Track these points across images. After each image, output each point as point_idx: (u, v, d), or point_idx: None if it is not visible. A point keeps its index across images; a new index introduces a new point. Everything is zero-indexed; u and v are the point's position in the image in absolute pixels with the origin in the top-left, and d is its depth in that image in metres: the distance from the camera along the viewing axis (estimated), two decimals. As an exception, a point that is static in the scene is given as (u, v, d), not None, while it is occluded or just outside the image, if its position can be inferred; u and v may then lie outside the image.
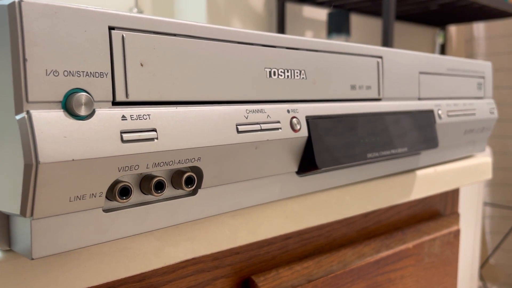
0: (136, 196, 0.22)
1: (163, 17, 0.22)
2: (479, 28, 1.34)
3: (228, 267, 0.32)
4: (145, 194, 0.23)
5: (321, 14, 1.07)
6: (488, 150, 1.12)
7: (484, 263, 1.41)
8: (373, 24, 1.17)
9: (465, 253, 1.18)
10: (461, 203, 0.55)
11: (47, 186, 0.18)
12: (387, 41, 0.87)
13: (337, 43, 0.32)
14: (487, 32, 1.33)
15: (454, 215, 0.52)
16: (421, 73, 0.41)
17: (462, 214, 1.07)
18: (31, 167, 0.18)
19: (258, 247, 0.34)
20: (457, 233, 0.51)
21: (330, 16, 0.94)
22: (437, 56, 0.43)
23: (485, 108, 0.50)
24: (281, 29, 0.97)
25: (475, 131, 0.49)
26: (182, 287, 0.29)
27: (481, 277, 1.40)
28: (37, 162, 0.17)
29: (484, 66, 0.51)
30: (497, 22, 1.29)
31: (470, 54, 1.36)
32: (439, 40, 1.14)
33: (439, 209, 0.52)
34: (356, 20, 1.13)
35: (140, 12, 0.87)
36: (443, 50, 1.33)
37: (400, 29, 1.25)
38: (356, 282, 0.39)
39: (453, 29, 1.44)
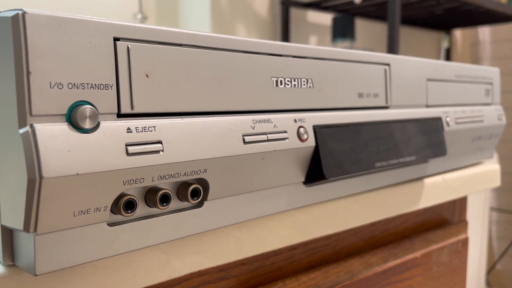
0: (141, 209, 0.22)
1: (168, 23, 0.22)
2: (484, 32, 1.33)
3: (234, 279, 0.32)
4: (150, 206, 0.22)
5: (325, 19, 1.07)
6: (494, 155, 1.11)
7: (490, 269, 1.39)
8: (378, 29, 1.16)
9: (472, 258, 1.17)
10: (467, 208, 0.54)
11: (51, 201, 0.18)
12: (392, 46, 0.87)
13: (344, 51, 0.31)
14: (492, 36, 1.33)
15: (462, 223, 0.52)
16: (428, 80, 0.40)
17: (468, 220, 1.06)
18: (34, 182, 0.17)
19: (264, 258, 0.33)
20: (465, 242, 0.50)
21: (335, 21, 0.93)
22: (444, 62, 0.42)
23: (493, 114, 0.49)
24: (285, 34, 0.97)
25: (483, 138, 0.49)
26: (187, 299, 0.28)
27: (488, 283, 1.39)
28: (41, 177, 0.17)
29: (492, 72, 0.50)
30: (502, 26, 1.28)
31: (475, 58, 1.36)
32: (445, 44, 1.14)
33: (447, 217, 0.52)
34: (361, 25, 1.13)
35: (144, 17, 0.87)
36: (448, 54, 1.33)
37: (406, 33, 1.25)
38: (363, 292, 0.39)
39: (458, 33, 1.43)
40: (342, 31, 0.92)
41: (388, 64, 0.35)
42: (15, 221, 0.18)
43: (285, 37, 0.97)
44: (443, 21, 1.22)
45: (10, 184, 0.18)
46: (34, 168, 0.17)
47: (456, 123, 0.43)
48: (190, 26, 0.93)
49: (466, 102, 0.46)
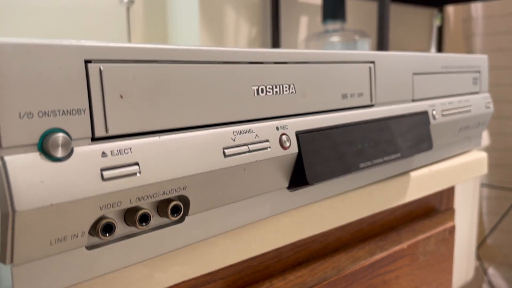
0: (120, 228, 0.22)
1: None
2: (477, 7, 1.31)
3: (221, 281, 0.32)
4: (130, 225, 0.22)
5: (315, -2, 1.05)
6: (485, 131, 1.11)
7: (481, 243, 1.42)
8: (369, 8, 1.14)
9: (462, 233, 1.19)
10: (455, 196, 0.55)
11: (26, 233, 0.18)
12: (383, 25, 0.86)
13: (327, 52, 0.31)
14: (485, 11, 1.31)
15: (449, 211, 0.52)
16: (414, 74, 0.40)
17: (459, 195, 1.07)
18: (7, 216, 0.17)
19: (250, 258, 0.33)
20: (452, 230, 0.51)
21: (325, 1, 0.92)
22: (431, 54, 0.42)
23: (480, 103, 0.49)
24: (275, 15, 0.95)
25: (470, 127, 0.49)
26: (173, 306, 0.29)
27: (478, 257, 1.41)
28: (14, 210, 0.17)
29: (479, 60, 0.50)
30: (495, 2, 1.27)
31: (467, 34, 1.35)
32: (436, 22, 1.12)
33: (435, 205, 0.52)
34: (352, 4, 1.11)
35: (131, 1, 0.86)
36: (440, 33, 1.31)
37: (397, 11, 1.23)
38: (350, 287, 0.39)
39: (450, 9, 1.41)
40: (333, 12, 0.90)
41: (373, 62, 0.35)
42: (-9, 252, 0.18)
43: (275, 18, 0.95)
44: (435, -3, 1.20)
45: (-16, 216, 0.18)
46: (6, 202, 0.17)
47: (443, 115, 0.43)
48: (178, 9, 0.91)
49: (453, 92, 0.46)
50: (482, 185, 1.38)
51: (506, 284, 1.39)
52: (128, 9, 0.89)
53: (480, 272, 1.41)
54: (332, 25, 0.91)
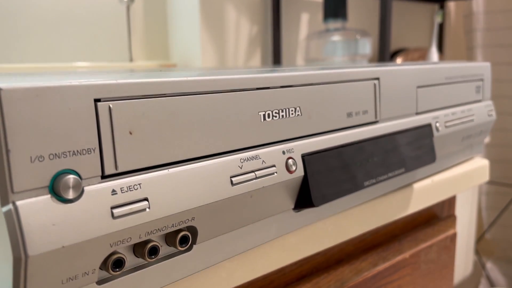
0: (130, 260, 0.22)
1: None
2: (478, 2, 1.31)
3: (226, 298, 0.32)
4: (139, 257, 0.22)
5: (316, -5, 1.04)
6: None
7: (479, 238, 1.43)
8: (370, 5, 1.14)
9: (462, 228, 1.20)
10: (456, 202, 0.55)
11: (38, 275, 0.18)
12: (385, 22, 0.86)
13: (333, 72, 0.31)
14: (486, 6, 1.30)
15: (451, 218, 0.52)
16: (418, 87, 0.40)
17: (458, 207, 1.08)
18: (20, 260, 0.17)
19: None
20: (453, 237, 0.51)
21: (326, 0, 0.91)
22: (435, 66, 0.42)
23: (483, 111, 0.49)
24: (276, 13, 0.95)
25: (473, 136, 0.49)
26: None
27: (477, 252, 1.43)
28: (26, 255, 0.17)
29: (483, 68, 0.50)
30: (496, -3, 1.26)
31: (468, 29, 1.34)
32: (438, 19, 1.12)
33: (437, 212, 0.52)
34: (353, 2, 1.10)
35: (131, 0, 0.85)
36: (441, 30, 1.31)
37: (398, 7, 1.22)
38: (353, 298, 0.40)
39: (451, 4, 1.41)
40: (334, 11, 0.90)
41: (377, 78, 0.35)
42: (4, 292, 0.18)
43: (276, 16, 0.95)
44: (436, -7, 1.19)
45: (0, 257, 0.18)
46: (19, 247, 0.17)
47: (446, 127, 0.43)
48: (178, 8, 0.90)
49: (457, 102, 0.46)
50: (482, 180, 1.38)
51: (504, 279, 1.40)
52: (128, 8, 0.88)
53: (479, 267, 1.42)
54: (333, 24, 0.91)
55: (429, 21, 1.34)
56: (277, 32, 0.95)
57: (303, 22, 1.02)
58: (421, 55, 1.21)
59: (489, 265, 1.42)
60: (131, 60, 0.91)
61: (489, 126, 0.51)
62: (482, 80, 0.50)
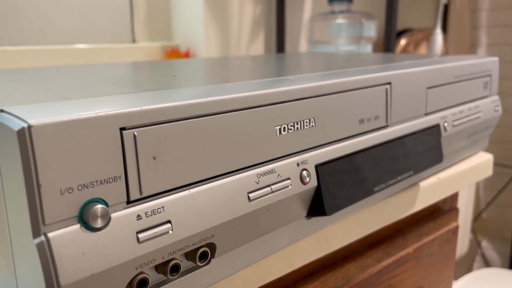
0: (152, 277, 0.23)
1: (179, 101, 0.22)
2: (484, -19, 1.29)
3: (238, 298, 0.33)
4: (160, 273, 0.23)
5: (321, -26, 1.02)
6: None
7: (476, 217, 1.45)
8: (375, -17, 1.12)
9: (460, 207, 1.22)
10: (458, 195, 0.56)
11: (69, 301, 0.19)
12: (391, 5, 0.85)
13: (345, 81, 0.31)
14: (492, -14, 1.28)
15: (453, 211, 0.53)
16: (428, 88, 0.40)
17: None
18: (52, 289, 0.18)
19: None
20: (455, 230, 0.52)
21: (332, -20, 0.90)
22: (445, 66, 0.42)
23: (490, 107, 0.49)
24: (280, -6, 0.93)
25: (478, 132, 0.49)
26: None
27: (473, 230, 1.45)
28: (59, 285, 0.18)
29: (491, 64, 0.50)
30: (503, -24, 1.24)
31: (473, 8, 1.32)
32: (443, 0, 1.11)
33: (439, 204, 0.53)
34: (358, -20, 1.09)
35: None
36: (446, 10, 1.29)
37: (403, -15, 1.20)
38: (358, 294, 0.41)
39: (457, -19, 1.39)
40: (339, -8, 0.89)
41: (389, 83, 0.35)
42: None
43: (280, 2, 0.93)
44: (442, -28, 1.17)
45: (30, 285, 0.19)
46: (51, 278, 0.18)
47: (453, 126, 0.43)
48: (181, -12, 0.89)
49: (465, 100, 0.46)
50: (480, 161, 1.40)
51: (498, 257, 1.43)
52: (130, -11, 0.86)
53: (474, 245, 1.45)
54: (339, 6, 0.90)
55: (435, 1, 1.32)
56: (281, 13, 0.94)
57: (308, 3, 1.01)
58: (426, 36, 1.20)
59: (484, 244, 1.45)
60: (133, 41, 0.90)
61: (495, 122, 0.51)
62: (490, 75, 0.50)
